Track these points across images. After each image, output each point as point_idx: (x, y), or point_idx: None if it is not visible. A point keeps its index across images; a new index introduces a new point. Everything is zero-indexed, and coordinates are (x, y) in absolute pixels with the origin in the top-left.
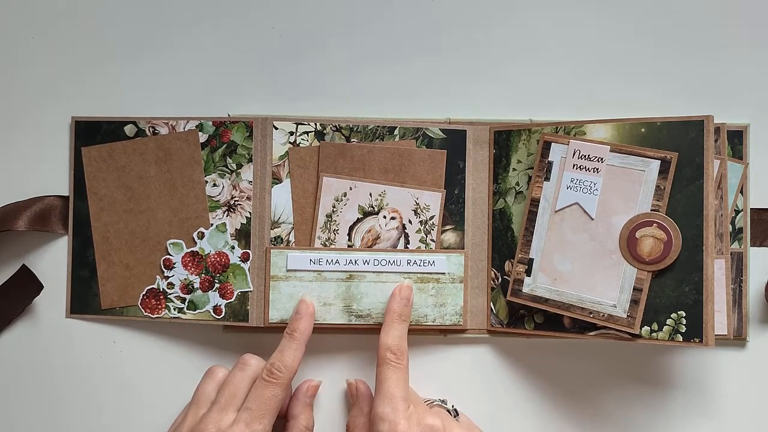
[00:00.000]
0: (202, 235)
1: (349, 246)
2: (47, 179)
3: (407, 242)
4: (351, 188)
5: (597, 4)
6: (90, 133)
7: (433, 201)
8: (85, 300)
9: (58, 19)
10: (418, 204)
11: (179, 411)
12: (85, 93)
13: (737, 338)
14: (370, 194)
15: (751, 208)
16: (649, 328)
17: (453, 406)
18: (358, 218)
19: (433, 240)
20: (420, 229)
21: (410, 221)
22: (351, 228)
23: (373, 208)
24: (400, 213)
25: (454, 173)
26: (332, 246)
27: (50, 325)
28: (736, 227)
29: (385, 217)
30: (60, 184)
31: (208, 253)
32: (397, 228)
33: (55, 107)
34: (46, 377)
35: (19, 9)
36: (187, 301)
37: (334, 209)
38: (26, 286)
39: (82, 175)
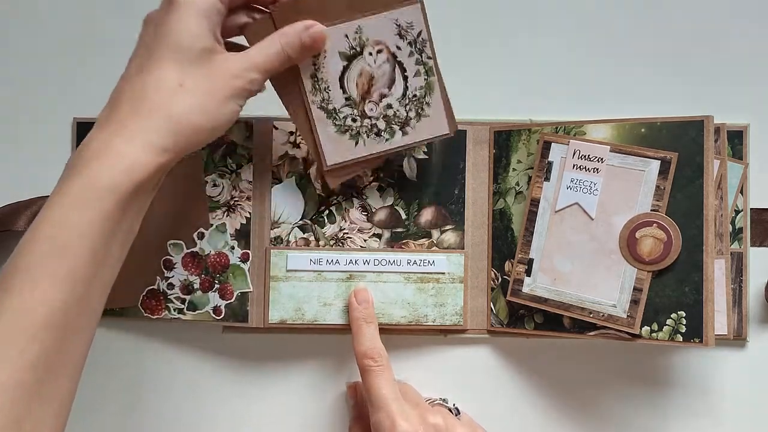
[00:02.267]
0: (202, 235)
1: (346, 99)
2: (48, 180)
3: (404, 71)
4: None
5: (597, 4)
6: None
7: (413, 15)
8: None
9: (59, 19)
10: (399, 25)
11: (179, 412)
12: (86, 93)
13: (737, 338)
14: (346, 36)
15: (751, 208)
16: (649, 328)
17: (454, 405)
18: (344, 66)
19: (429, 57)
20: (412, 51)
21: (398, 47)
22: (341, 79)
23: (356, 49)
24: (385, 43)
25: (454, 173)
26: (329, 105)
27: None
28: (736, 227)
29: (371, 53)
30: None
31: (208, 254)
32: (387, 60)
33: (57, 108)
34: None
35: (20, 9)
36: (187, 301)
37: (315, 66)
38: None
39: None
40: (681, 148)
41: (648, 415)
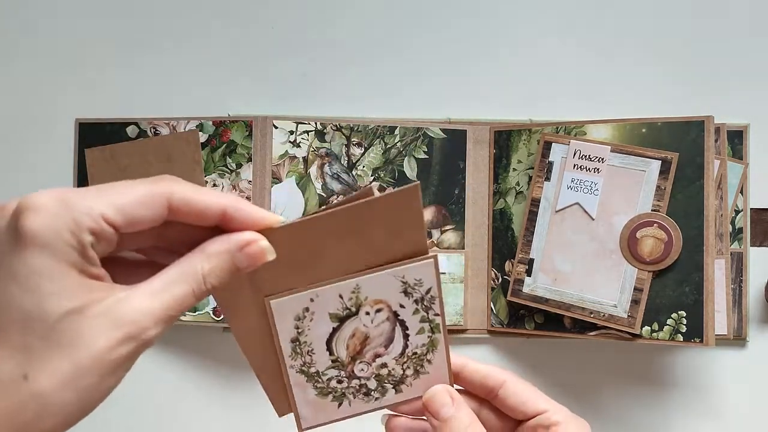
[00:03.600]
0: None
1: (333, 361)
2: (51, 180)
3: (405, 329)
4: (312, 299)
5: (597, 4)
6: (93, 134)
7: (424, 272)
8: None
9: (60, 21)
10: (405, 282)
11: (180, 412)
12: (87, 95)
13: (737, 338)
14: (340, 296)
15: (751, 208)
16: (649, 328)
17: None
18: (333, 328)
19: (437, 314)
20: (418, 309)
21: (401, 305)
22: (329, 341)
23: (350, 309)
24: (386, 302)
25: (454, 173)
26: (311, 369)
27: None
28: (736, 227)
29: (368, 313)
30: (64, 185)
31: None
32: (388, 319)
33: (59, 109)
34: None
35: (21, 11)
36: None
37: (299, 330)
38: None
39: (85, 177)
40: (681, 149)
41: (648, 414)
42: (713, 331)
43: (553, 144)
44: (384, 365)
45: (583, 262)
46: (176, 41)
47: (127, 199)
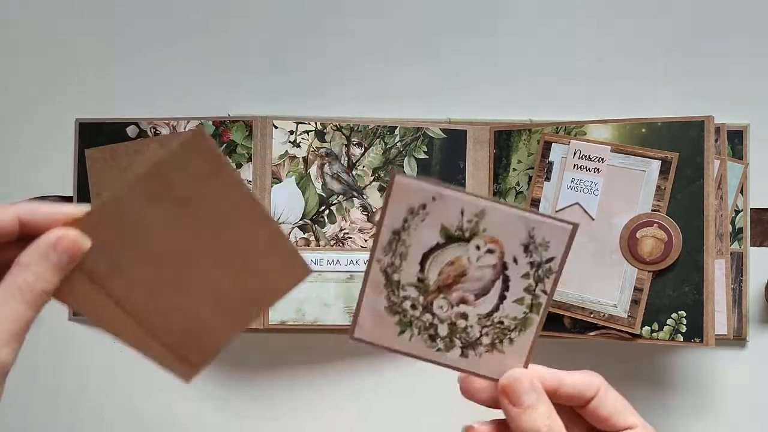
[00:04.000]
0: None
1: (419, 280)
2: (51, 180)
3: (505, 288)
4: (435, 198)
5: (597, 4)
6: (93, 134)
7: (556, 236)
8: None
9: (60, 21)
10: (532, 237)
11: (181, 414)
12: (87, 95)
13: (737, 338)
14: (462, 212)
15: (751, 208)
16: (649, 328)
17: None
18: (437, 243)
19: (545, 291)
20: (529, 273)
21: (515, 260)
22: (426, 255)
23: (463, 233)
24: (502, 245)
25: (454, 173)
26: (395, 275)
27: (52, 329)
28: (736, 227)
29: (478, 247)
30: (64, 186)
31: None
32: (494, 266)
33: (59, 109)
34: (46, 381)
35: (21, 11)
36: None
37: (406, 224)
38: None
39: (85, 177)
40: (681, 148)
41: (648, 414)
42: (713, 331)
43: (553, 144)
44: (464, 316)
45: (583, 262)
46: (177, 41)
47: None
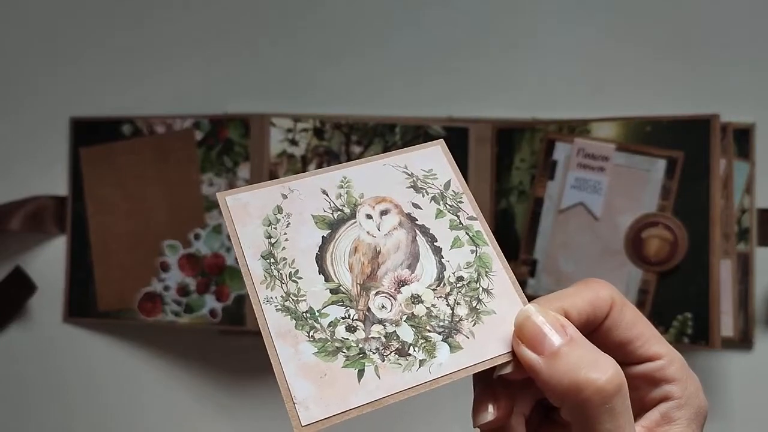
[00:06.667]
0: (198, 237)
1: (333, 291)
2: (43, 180)
3: (433, 240)
4: (285, 195)
5: (601, 2)
6: (88, 132)
7: (433, 159)
8: (81, 303)
9: (56, 19)
10: (411, 174)
11: (178, 414)
12: (82, 92)
13: (743, 340)
14: (324, 191)
15: (757, 208)
16: None
17: None
18: (323, 237)
19: (472, 218)
20: (441, 211)
21: (415, 205)
22: (319, 258)
23: (342, 211)
24: (392, 198)
25: None
26: (299, 304)
27: (46, 329)
28: (743, 227)
29: (369, 216)
30: (58, 184)
31: (205, 255)
32: (401, 225)
33: (53, 107)
34: (44, 381)
35: (17, 10)
36: (183, 303)
37: (272, 239)
38: (19, 287)
39: (80, 176)
40: (687, 147)
41: None
42: (719, 333)
43: (556, 142)
44: (417, 298)
45: (587, 262)
46: (172, 38)
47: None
